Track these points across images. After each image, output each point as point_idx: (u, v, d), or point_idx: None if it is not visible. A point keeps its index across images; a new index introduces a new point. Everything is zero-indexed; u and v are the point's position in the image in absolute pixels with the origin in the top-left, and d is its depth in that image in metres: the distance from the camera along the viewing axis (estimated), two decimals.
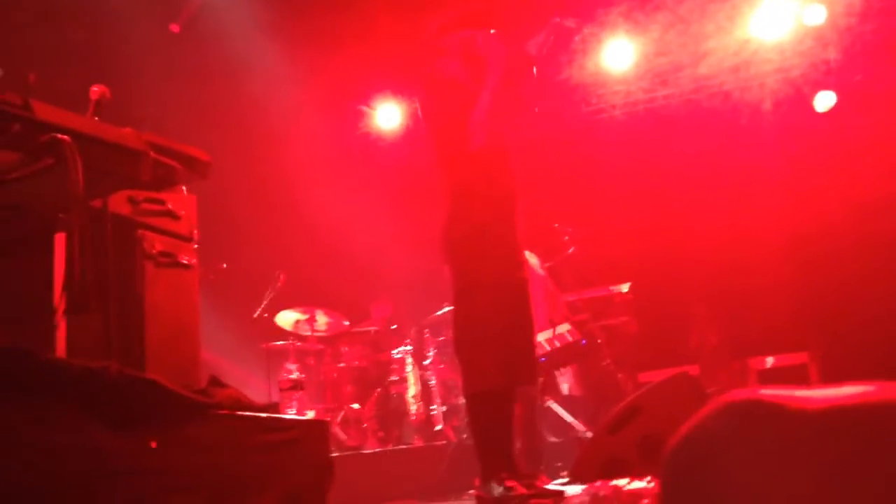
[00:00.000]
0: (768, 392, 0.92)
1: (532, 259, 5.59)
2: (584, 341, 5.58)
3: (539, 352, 5.30)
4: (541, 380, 4.84)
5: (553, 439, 5.55)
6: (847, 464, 0.86)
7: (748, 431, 0.88)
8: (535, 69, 3.82)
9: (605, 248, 7.08)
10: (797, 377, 6.32)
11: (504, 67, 3.59)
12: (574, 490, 2.98)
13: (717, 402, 0.93)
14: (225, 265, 5.95)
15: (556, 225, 6.10)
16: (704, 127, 7.44)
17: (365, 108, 8.02)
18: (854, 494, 0.84)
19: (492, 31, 3.70)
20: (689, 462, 0.91)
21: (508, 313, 3.47)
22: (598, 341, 5.94)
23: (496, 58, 3.57)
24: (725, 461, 0.88)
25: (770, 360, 6.74)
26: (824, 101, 7.33)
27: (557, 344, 5.39)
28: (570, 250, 5.95)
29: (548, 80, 7.19)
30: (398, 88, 7.84)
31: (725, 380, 6.45)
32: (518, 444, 4.58)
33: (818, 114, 7.36)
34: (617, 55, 7.48)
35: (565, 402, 5.76)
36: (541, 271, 5.66)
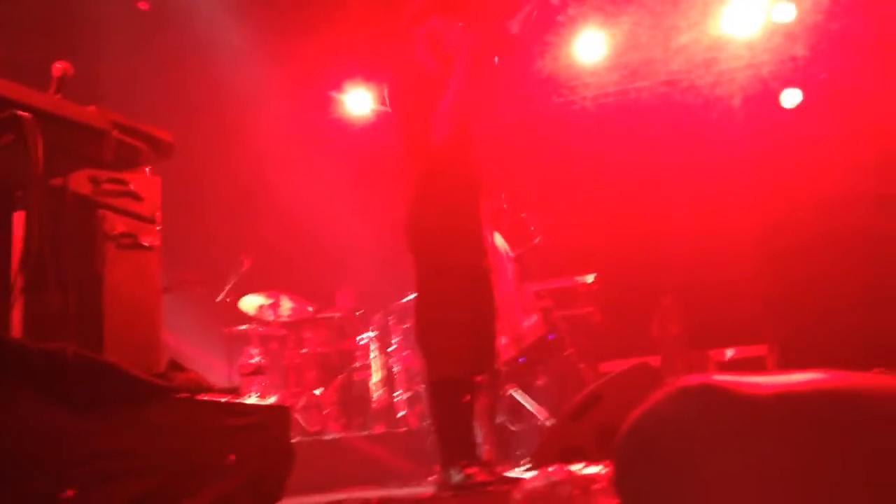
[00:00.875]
0: (721, 378, 0.94)
1: (500, 242, 5.62)
2: (551, 336, 5.62)
3: (514, 353, 5.34)
4: (503, 368, 4.87)
5: (515, 428, 5.58)
6: (797, 448, 0.88)
7: (700, 415, 0.89)
8: (502, 53, 3.81)
9: (571, 239, 7.12)
10: (755, 369, 6.40)
11: (471, 60, 3.58)
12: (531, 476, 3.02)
13: (670, 386, 0.94)
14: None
15: (524, 214, 6.12)
16: (675, 120, 7.50)
17: (335, 94, 7.97)
18: (804, 478, 0.86)
19: (460, 23, 3.68)
20: (642, 445, 0.93)
21: (471, 301, 3.48)
22: (561, 332, 5.98)
23: (464, 51, 3.56)
24: (678, 444, 0.89)
25: (730, 352, 6.84)
26: (791, 97, 7.42)
27: (529, 339, 5.44)
28: (537, 240, 5.97)
29: (529, 58, 7.20)
30: (368, 74, 7.79)
31: (685, 371, 6.53)
32: (480, 433, 4.61)
33: (786, 110, 7.45)
34: (589, 47, 7.51)
35: (528, 390, 5.80)
36: (511, 253, 5.69)
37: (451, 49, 3.62)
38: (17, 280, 2.26)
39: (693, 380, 0.95)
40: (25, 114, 2.15)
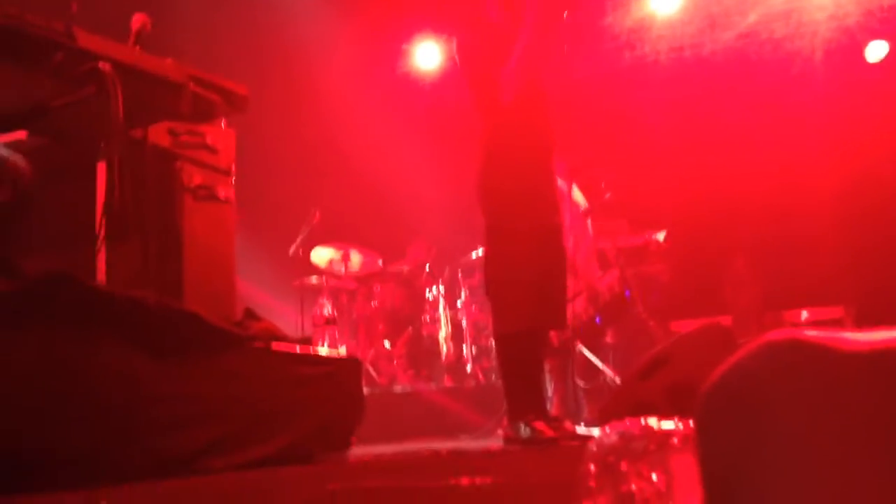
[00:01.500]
0: (811, 332, 0.90)
1: (578, 196, 5.57)
2: (627, 292, 5.56)
3: (591, 311, 5.32)
4: (572, 325, 4.85)
5: (583, 384, 5.58)
6: (893, 407, 0.84)
7: (789, 371, 0.86)
8: (568, 7, 3.72)
9: (643, 196, 7.00)
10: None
11: (540, 14, 3.50)
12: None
13: (757, 341, 0.91)
14: None
15: (594, 170, 6.04)
16: (752, 75, 7.27)
17: (405, 48, 7.93)
18: None
19: None
20: (727, 401, 0.90)
21: (541, 256, 3.45)
22: (633, 289, 5.91)
23: (532, 4, 3.49)
24: (765, 401, 0.87)
25: (805, 314, 6.67)
26: (877, 50, 7.11)
27: (605, 297, 5.41)
28: (608, 196, 5.89)
29: (601, 11, 7.04)
30: (438, 28, 7.73)
31: (758, 332, 6.40)
32: (551, 388, 4.62)
33: (871, 64, 7.15)
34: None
35: (596, 347, 5.77)
36: (585, 204, 5.63)
37: (519, 3, 3.56)
38: (101, 229, 2.33)
39: (780, 334, 0.91)
40: (106, 65, 2.19)
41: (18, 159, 2.44)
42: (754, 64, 7.26)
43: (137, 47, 2.58)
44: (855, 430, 0.83)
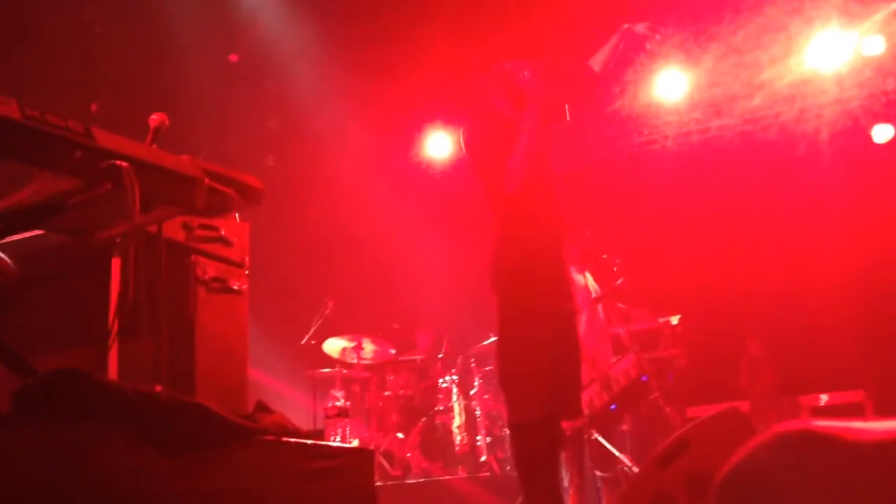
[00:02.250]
0: (822, 423, 0.90)
1: (590, 283, 5.56)
2: (644, 377, 5.51)
3: (605, 398, 5.26)
4: (587, 413, 4.78)
5: (600, 474, 5.47)
6: None
7: (801, 462, 0.86)
8: (590, 92, 3.78)
9: (655, 280, 7.00)
10: (852, 416, 6.14)
11: (543, 103, 3.55)
12: None
13: (769, 431, 0.91)
14: None
15: (605, 255, 6.05)
16: (759, 158, 7.35)
17: (417, 137, 8.07)
18: None
19: (535, 65, 3.66)
20: (741, 492, 0.89)
21: (555, 343, 3.44)
22: (649, 374, 5.85)
23: (535, 94, 3.53)
24: (778, 492, 0.86)
25: (824, 398, 6.57)
26: (883, 132, 7.19)
27: (621, 383, 5.35)
28: (620, 281, 5.89)
29: (609, 97, 7.18)
30: (448, 117, 7.89)
31: (776, 417, 6.30)
32: (567, 479, 4.53)
33: (878, 145, 7.22)
34: (669, 85, 7.45)
35: (612, 435, 5.68)
36: (597, 291, 5.62)
37: (523, 94, 3.61)
38: (114, 324, 2.34)
39: (792, 425, 0.91)
40: (124, 163, 2.24)
41: (2, 256, 2.47)
42: (761, 147, 7.35)
43: (154, 145, 2.64)
44: None
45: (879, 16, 6.71)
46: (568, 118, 3.80)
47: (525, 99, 3.57)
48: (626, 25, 3.75)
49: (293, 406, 6.81)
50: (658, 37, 3.77)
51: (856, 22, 6.82)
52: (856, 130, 7.16)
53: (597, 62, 3.74)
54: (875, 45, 6.81)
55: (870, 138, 7.17)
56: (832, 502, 0.84)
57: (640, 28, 3.74)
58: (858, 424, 0.90)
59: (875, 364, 6.58)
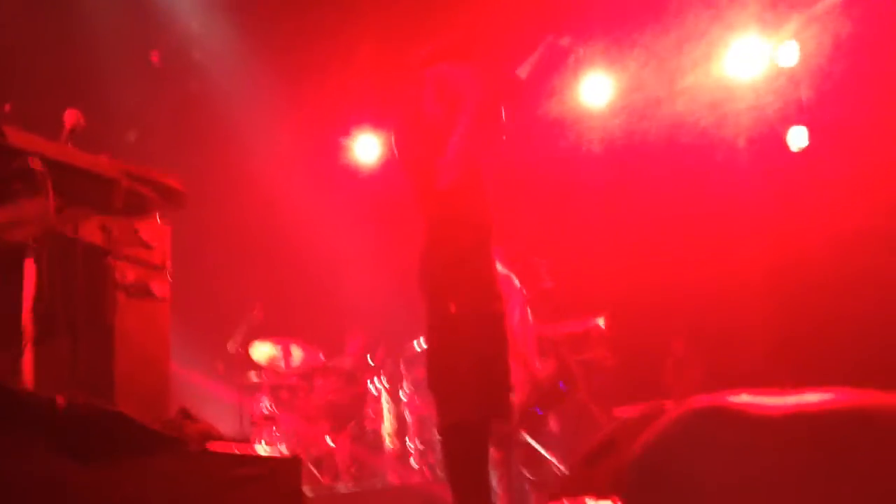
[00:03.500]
0: (731, 398, 0.91)
1: (517, 284, 5.60)
2: (561, 384, 5.57)
3: (532, 401, 5.30)
4: (516, 416, 4.81)
5: (529, 475, 5.50)
6: (810, 470, 0.86)
7: (711, 437, 0.87)
8: (515, 98, 3.82)
9: (582, 282, 7.09)
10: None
11: (478, 103, 3.58)
12: None
13: (680, 408, 0.92)
14: None
15: (534, 258, 6.10)
16: (682, 163, 7.51)
17: (344, 140, 8.02)
18: (817, 500, 0.83)
19: (468, 69, 3.69)
20: (652, 470, 0.90)
21: (483, 345, 3.44)
22: (574, 376, 5.92)
23: (470, 94, 3.56)
24: (688, 467, 0.87)
25: (745, 397, 6.74)
26: (798, 138, 7.43)
27: (546, 386, 5.41)
28: (548, 284, 5.95)
29: (539, 101, 7.24)
30: (377, 119, 7.86)
31: None
32: (496, 481, 4.54)
33: (791, 151, 7.45)
34: (594, 90, 7.56)
35: (540, 436, 5.72)
36: (525, 292, 5.67)
37: (457, 94, 3.63)
38: (28, 328, 2.25)
39: (701, 401, 0.93)
40: (36, 162, 2.16)
41: None
42: (682, 152, 7.51)
43: (70, 144, 2.55)
44: (774, 493, 0.83)
45: (793, 25, 6.94)
46: (502, 121, 3.83)
47: (459, 100, 3.58)
48: (549, 37, 3.80)
49: (221, 413, 6.67)
50: (581, 51, 3.85)
51: (772, 30, 7.04)
52: (771, 136, 7.39)
53: (523, 71, 3.78)
54: (790, 55, 7.03)
55: (784, 144, 7.40)
56: (741, 475, 0.86)
57: (564, 42, 3.80)
58: (767, 399, 0.92)
59: (792, 361, 6.78)
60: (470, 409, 3.36)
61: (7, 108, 2.82)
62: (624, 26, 6.84)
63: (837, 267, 6.72)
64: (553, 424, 5.88)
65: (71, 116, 2.61)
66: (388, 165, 7.75)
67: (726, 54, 7.19)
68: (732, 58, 7.19)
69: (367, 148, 8.04)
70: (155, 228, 2.87)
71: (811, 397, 0.92)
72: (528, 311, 5.56)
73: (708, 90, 7.38)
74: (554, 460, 5.52)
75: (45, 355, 2.37)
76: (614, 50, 7.07)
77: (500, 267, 4.28)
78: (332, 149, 8.11)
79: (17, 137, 2.24)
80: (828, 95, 7.06)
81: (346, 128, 7.98)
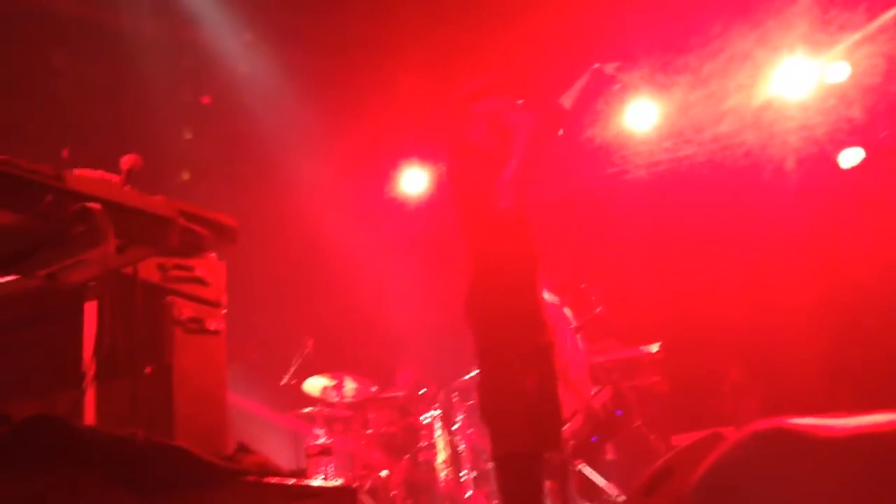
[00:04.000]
0: (795, 421, 0.91)
1: (567, 313, 5.57)
2: (619, 412, 5.51)
3: (587, 429, 5.26)
4: (571, 444, 4.77)
5: None
6: (875, 488, 0.84)
7: (775, 459, 0.87)
8: (562, 127, 3.82)
9: (633, 309, 7.02)
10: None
11: (531, 136, 3.61)
12: None
13: (743, 431, 0.92)
14: None
15: (583, 285, 6.07)
16: (729, 185, 7.43)
17: (392, 174, 8.08)
18: None
19: (519, 101, 3.73)
20: (717, 490, 0.90)
21: (532, 376, 3.43)
22: (629, 403, 5.85)
23: (523, 127, 3.59)
24: (753, 488, 0.86)
25: (811, 420, 6.58)
26: (850, 157, 7.31)
27: (601, 415, 5.36)
28: (598, 310, 5.91)
29: (585, 129, 7.24)
30: (423, 153, 7.92)
31: None
32: None
33: (843, 171, 7.33)
34: (639, 116, 7.54)
35: (597, 465, 5.66)
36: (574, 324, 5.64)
37: (509, 127, 3.66)
38: (90, 369, 2.31)
39: (766, 423, 0.92)
40: (96, 205, 2.22)
41: None
42: (731, 175, 7.43)
43: (128, 186, 2.62)
44: None
45: (844, 44, 6.85)
46: (549, 152, 3.85)
47: (510, 133, 3.61)
48: (596, 65, 3.80)
49: (275, 447, 6.72)
50: (625, 78, 3.85)
51: (820, 50, 6.96)
52: (821, 157, 7.28)
53: (568, 99, 3.78)
54: (839, 73, 6.94)
55: (834, 164, 7.29)
56: (805, 496, 0.85)
57: (610, 69, 3.79)
58: (831, 421, 0.91)
59: (850, 386, 6.62)
60: (522, 439, 3.35)
61: (65, 153, 2.91)
62: (669, 49, 6.81)
63: (893, 289, 6.57)
64: (610, 453, 5.81)
65: (128, 160, 2.68)
66: (435, 199, 7.81)
67: (774, 74, 7.12)
68: (780, 78, 7.12)
69: (412, 180, 8.11)
70: (210, 265, 2.93)
71: (874, 419, 0.91)
72: (579, 338, 5.52)
73: (755, 111, 7.32)
74: (611, 489, 5.44)
75: (106, 393, 2.42)
76: (660, 74, 7.05)
77: (548, 295, 4.28)
78: (378, 182, 8.20)
79: (77, 181, 2.31)
80: (880, 115, 6.95)
81: (391, 161, 8.06)
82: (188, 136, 7.12)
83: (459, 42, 6.63)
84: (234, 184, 7.13)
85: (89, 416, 2.36)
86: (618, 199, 7.87)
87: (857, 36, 6.75)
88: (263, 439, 6.55)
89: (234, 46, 7.04)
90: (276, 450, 6.60)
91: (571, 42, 6.35)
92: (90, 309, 2.46)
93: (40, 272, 2.48)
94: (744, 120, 7.35)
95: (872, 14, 6.59)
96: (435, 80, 6.61)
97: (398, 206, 8.23)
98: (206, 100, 7.23)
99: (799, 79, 7.10)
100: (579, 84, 3.77)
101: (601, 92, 3.89)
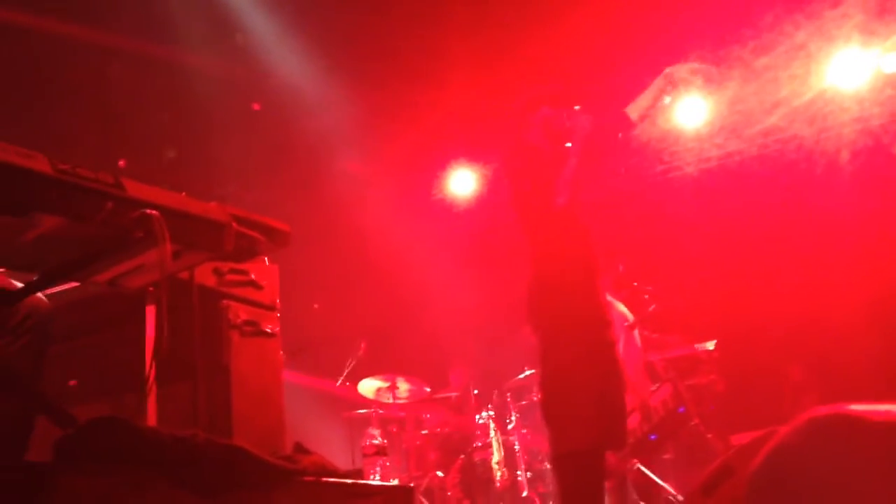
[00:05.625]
0: (851, 406, 0.90)
1: (623, 310, 5.54)
2: (681, 408, 5.44)
3: (645, 428, 5.21)
4: (634, 444, 4.73)
5: (643, 503, 5.38)
6: None
7: (832, 444, 0.86)
8: (626, 133, 3.76)
9: (687, 307, 6.94)
10: None
11: (588, 140, 3.59)
12: None
13: (800, 417, 0.91)
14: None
15: (636, 283, 6.02)
16: (781, 180, 7.30)
17: (441, 175, 8.10)
18: None
19: (575, 108, 3.71)
20: (775, 479, 0.89)
21: (597, 373, 3.41)
22: (687, 402, 5.78)
23: (581, 131, 3.58)
24: (811, 475, 0.86)
25: (869, 406, 6.43)
26: None
27: (660, 412, 5.30)
28: (652, 308, 5.85)
29: (655, 134, 7.15)
30: (473, 154, 7.93)
31: None
32: None
33: None
34: (689, 112, 7.44)
35: (655, 464, 5.60)
36: (630, 318, 5.59)
37: (565, 133, 3.65)
38: (150, 372, 2.36)
39: (822, 410, 0.91)
40: (154, 212, 2.27)
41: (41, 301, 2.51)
42: (783, 169, 7.29)
43: (183, 193, 2.67)
44: (890, 492, 0.81)
45: None
46: (609, 160, 3.82)
47: (567, 140, 3.61)
48: (668, 69, 3.72)
49: (331, 447, 6.79)
50: (699, 80, 3.76)
51: (877, 40, 6.78)
52: (877, 149, 7.10)
53: (637, 108, 3.70)
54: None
55: (890, 156, 7.10)
56: (863, 480, 0.84)
57: (684, 72, 3.71)
58: (887, 406, 0.90)
59: None
60: (586, 437, 3.33)
61: (122, 163, 2.97)
62: (721, 41, 6.70)
63: None
64: (668, 452, 5.75)
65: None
66: (484, 198, 7.81)
67: (828, 66, 6.97)
68: (835, 69, 6.97)
69: (462, 181, 8.12)
70: (264, 269, 2.98)
71: None
72: (636, 336, 5.48)
73: (809, 104, 7.17)
74: (670, 488, 5.38)
75: (167, 396, 2.47)
76: (711, 68, 6.93)
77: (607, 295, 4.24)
78: (427, 183, 8.22)
79: (135, 188, 2.35)
80: None
81: (441, 162, 8.08)
82: (240, 142, 7.22)
83: (506, 43, 6.63)
84: (285, 188, 7.22)
85: (151, 418, 2.41)
86: (669, 196, 7.78)
87: None
88: (321, 440, 6.62)
89: (283, 52, 7.13)
90: (332, 450, 6.67)
91: (621, 39, 6.29)
92: (150, 313, 2.51)
93: (102, 278, 2.54)
94: (797, 113, 7.20)
95: None
96: (483, 82, 6.61)
97: (448, 208, 8.25)
98: (256, 106, 7.33)
99: (854, 70, 6.93)
100: (651, 91, 3.69)
101: (673, 94, 3.79)
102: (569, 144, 3.62)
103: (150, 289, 2.55)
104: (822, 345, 6.91)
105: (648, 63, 3.90)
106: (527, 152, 3.76)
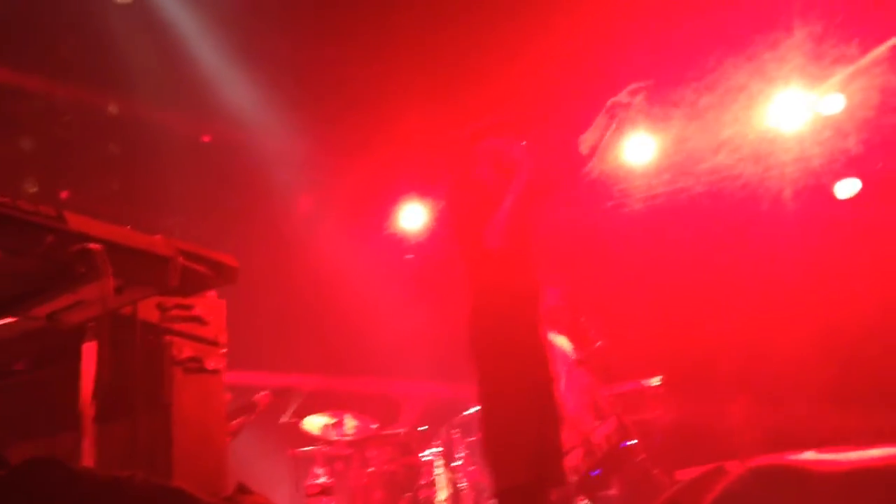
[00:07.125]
0: (793, 457, 0.91)
1: (565, 345, 5.55)
2: (625, 443, 5.47)
3: (589, 463, 5.22)
4: (572, 479, 4.73)
5: None
6: None
7: (774, 495, 0.87)
8: (578, 168, 3.81)
9: (634, 342, 7.00)
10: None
11: (532, 176, 3.63)
12: None
13: (741, 467, 0.92)
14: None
15: (583, 319, 6.06)
16: (727, 216, 7.45)
17: (391, 210, 8.11)
18: None
19: (522, 142, 3.75)
20: None
21: (534, 410, 3.42)
22: (632, 437, 5.81)
23: (525, 167, 3.62)
24: None
25: (810, 455, 6.53)
26: (847, 188, 7.34)
27: (604, 447, 5.31)
28: (598, 344, 5.89)
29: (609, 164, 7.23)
30: (423, 189, 7.95)
31: None
32: None
33: (841, 202, 7.34)
34: (637, 149, 7.57)
35: (600, 501, 5.60)
36: (574, 356, 5.61)
37: (511, 166, 3.68)
38: (88, 410, 2.30)
39: (764, 460, 0.93)
40: (96, 245, 2.23)
41: None
42: (728, 207, 7.45)
43: (128, 226, 2.63)
44: None
45: (838, 77, 6.90)
46: (551, 195, 3.86)
47: (511, 171, 3.63)
48: (610, 101, 3.80)
49: (275, 487, 6.66)
50: (641, 96, 3.84)
51: (815, 82, 7.01)
52: (818, 188, 7.30)
53: (587, 142, 3.77)
54: (834, 105, 6.98)
55: (831, 195, 7.31)
56: None
57: (624, 97, 3.80)
58: (829, 456, 0.92)
59: (853, 419, 6.56)
60: (525, 473, 3.33)
61: (64, 194, 2.91)
62: (666, 82, 6.85)
63: (894, 317, 6.56)
64: (613, 488, 5.75)
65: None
66: (435, 233, 7.82)
67: (769, 107, 7.17)
68: (776, 110, 7.17)
69: (412, 216, 8.12)
70: (210, 304, 2.93)
71: (873, 453, 0.91)
72: (579, 372, 5.50)
73: (752, 144, 7.35)
74: None
75: (105, 435, 2.41)
76: (656, 108, 7.09)
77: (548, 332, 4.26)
78: (378, 218, 8.21)
79: (77, 222, 2.31)
80: (876, 147, 6.98)
81: (391, 197, 8.08)
82: (189, 174, 7.14)
83: (459, 79, 6.69)
84: (234, 222, 7.15)
85: (88, 458, 2.34)
86: (617, 232, 7.88)
87: (851, 68, 6.80)
88: (264, 479, 6.49)
89: (233, 84, 7.10)
90: (277, 490, 6.54)
91: (569, 77, 6.40)
92: (89, 350, 2.45)
93: (40, 313, 2.47)
94: (741, 152, 7.38)
95: (866, 47, 6.66)
96: (434, 117, 6.66)
97: (399, 242, 8.24)
98: (206, 138, 7.27)
99: (794, 111, 7.14)
100: (598, 125, 3.76)
101: (619, 122, 3.87)
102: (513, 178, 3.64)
103: (91, 324, 2.49)
104: (768, 379, 7.02)
105: (595, 101, 3.97)
106: (469, 187, 3.78)
